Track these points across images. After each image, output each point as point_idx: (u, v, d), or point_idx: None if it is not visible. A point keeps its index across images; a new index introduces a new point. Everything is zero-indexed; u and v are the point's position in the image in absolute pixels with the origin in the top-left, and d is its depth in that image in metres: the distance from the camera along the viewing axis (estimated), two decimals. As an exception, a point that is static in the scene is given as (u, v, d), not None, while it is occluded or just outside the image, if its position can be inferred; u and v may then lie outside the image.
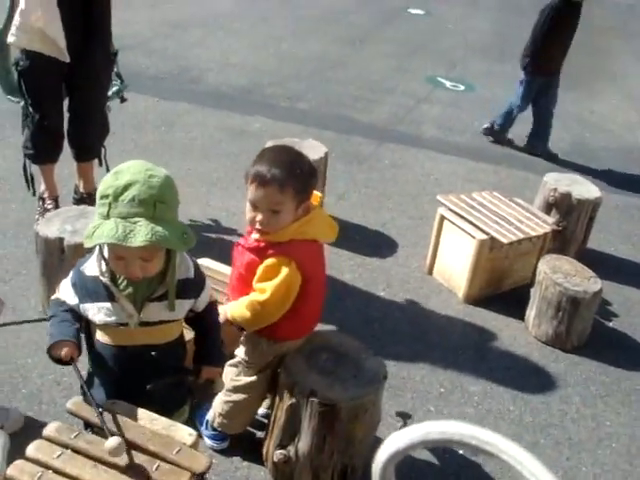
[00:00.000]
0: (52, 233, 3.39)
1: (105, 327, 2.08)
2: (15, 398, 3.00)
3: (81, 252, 3.36)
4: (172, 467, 1.88)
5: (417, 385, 3.43)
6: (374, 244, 4.65)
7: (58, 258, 3.40)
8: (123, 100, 4.59)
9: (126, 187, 1.87)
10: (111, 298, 2.04)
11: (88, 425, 2.04)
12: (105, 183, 1.92)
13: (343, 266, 4.34)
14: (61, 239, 3.36)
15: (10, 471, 1.87)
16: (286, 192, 2.42)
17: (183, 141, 5.81)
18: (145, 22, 8.97)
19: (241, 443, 2.92)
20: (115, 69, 4.31)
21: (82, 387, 1.97)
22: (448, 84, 8.10)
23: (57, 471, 1.86)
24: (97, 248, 2.04)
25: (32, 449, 1.93)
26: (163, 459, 1.89)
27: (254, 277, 2.54)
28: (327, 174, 4.83)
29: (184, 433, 1.99)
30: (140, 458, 1.90)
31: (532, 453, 1.03)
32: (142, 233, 1.83)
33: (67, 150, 4.26)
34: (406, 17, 11.95)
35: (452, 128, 6.90)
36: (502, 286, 4.20)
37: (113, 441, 1.82)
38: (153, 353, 2.10)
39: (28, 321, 3.22)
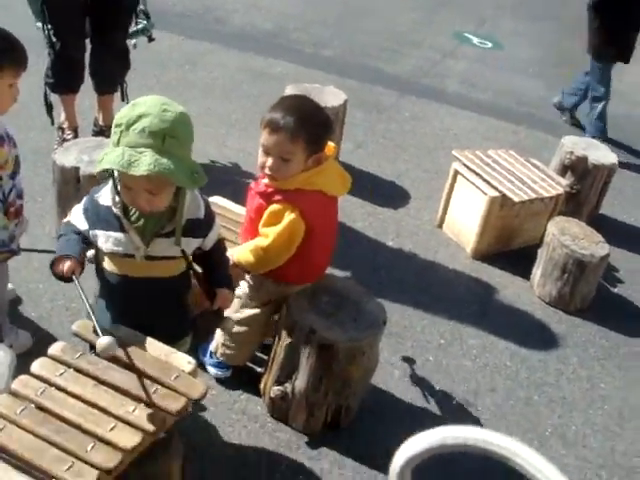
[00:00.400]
0: (69, 162, 3.44)
1: (112, 256, 2.13)
2: (25, 321, 3.09)
3: (95, 182, 3.42)
4: (169, 392, 1.94)
5: (418, 335, 3.48)
6: (387, 194, 4.67)
7: (74, 187, 3.45)
8: (151, 39, 4.59)
9: (139, 118, 1.91)
10: (121, 229, 2.08)
11: (92, 348, 2.10)
12: (121, 113, 1.96)
13: (355, 214, 4.38)
14: (77, 168, 3.41)
15: (14, 385, 1.94)
16: (297, 142, 2.46)
17: (205, 80, 5.81)
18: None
19: (241, 377, 3.00)
20: (142, 7, 4.31)
21: (82, 300, 1.98)
22: (475, 40, 8.00)
23: (59, 388, 1.94)
24: (111, 179, 2.08)
25: (36, 366, 2.01)
26: (161, 384, 1.96)
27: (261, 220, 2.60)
28: (346, 122, 4.83)
29: (183, 361, 2.05)
30: (139, 381, 1.97)
31: (547, 458, 1.04)
32: (145, 163, 1.86)
33: (89, 82, 4.30)
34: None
35: (476, 85, 6.84)
36: (511, 244, 4.22)
37: (104, 340, 1.87)
38: (155, 285, 2.16)
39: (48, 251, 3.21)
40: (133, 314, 2.17)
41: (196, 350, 2.85)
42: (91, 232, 2.12)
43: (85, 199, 2.18)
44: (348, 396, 2.75)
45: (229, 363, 2.95)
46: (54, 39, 3.91)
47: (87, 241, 2.16)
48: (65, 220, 2.24)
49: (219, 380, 2.96)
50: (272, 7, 7.87)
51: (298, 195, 2.53)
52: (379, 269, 3.89)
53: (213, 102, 5.45)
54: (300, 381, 2.69)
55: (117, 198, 2.07)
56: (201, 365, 2.94)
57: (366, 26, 7.83)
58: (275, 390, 2.77)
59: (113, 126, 1.97)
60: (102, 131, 4.48)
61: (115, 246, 2.09)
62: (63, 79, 4.11)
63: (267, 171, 2.52)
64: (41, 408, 1.89)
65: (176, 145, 1.93)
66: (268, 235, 2.54)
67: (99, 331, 1.90)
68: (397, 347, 3.38)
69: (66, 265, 2.02)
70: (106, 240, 2.10)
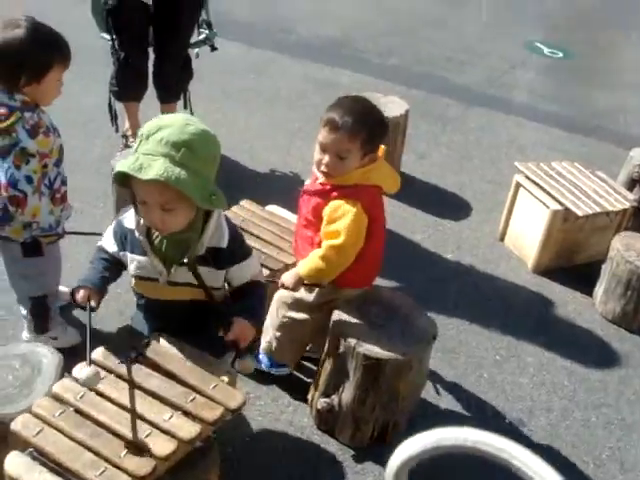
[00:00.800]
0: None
1: (137, 278, 2.16)
2: (76, 321, 3.14)
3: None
4: (207, 401, 1.94)
5: (473, 350, 3.41)
6: (449, 206, 4.60)
7: (132, 194, 3.50)
8: (214, 49, 4.64)
9: (160, 128, 1.89)
10: (144, 252, 2.10)
11: (133, 354, 2.12)
12: (146, 124, 1.96)
13: (415, 225, 4.33)
14: (135, 176, 3.46)
15: (55, 388, 1.97)
16: (354, 141, 2.50)
17: (269, 90, 5.84)
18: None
19: (290, 387, 2.99)
20: (205, 17, 4.37)
21: (87, 327, 1.99)
22: (546, 50, 7.82)
23: (98, 393, 1.95)
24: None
25: (77, 370, 2.03)
26: (199, 392, 1.96)
27: (321, 222, 2.59)
28: (409, 132, 4.80)
29: (223, 371, 2.05)
30: (177, 389, 1.97)
31: (541, 458, 1.03)
32: (155, 168, 1.83)
33: (154, 90, 4.37)
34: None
35: (544, 95, 6.68)
36: (574, 259, 4.09)
37: (85, 371, 1.88)
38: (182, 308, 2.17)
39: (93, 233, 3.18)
40: (169, 330, 2.19)
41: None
42: (121, 253, 2.16)
43: (115, 221, 2.20)
44: (395, 412, 2.70)
45: (278, 360, 2.94)
46: (118, 49, 4.00)
47: (118, 263, 2.19)
48: (98, 244, 2.27)
49: (268, 389, 2.96)
50: (340, 16, 7.86)
51: (357, 190, 2.56)
52: (436, 282, 3.83)
53: (277, 111, 5.48)
54: (347, 394, 2.66)
55: (141, 221, 2.07)
56: (261, 374, 2.95)
57: (435, 36, 7.75)
58: (322, 402, 2.74)
59: (137, 136, 1.98)
60: (165, 139, 4.55)
61: (139, 269, 2.12)
62: (127, 88, 4.19)
63: (323, 168, 2.56)
64: (79, 412, 1.91)
65: (193, 158, 1.89)
66: (339, 232, 2.52)
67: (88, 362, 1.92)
68: (451, 362, 3.31)
69: (80, 294, 2.07)
70: (131, 262, 2.14)
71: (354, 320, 2.64)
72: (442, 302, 3.65)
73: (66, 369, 2.22)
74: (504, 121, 5.93)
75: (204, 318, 2.23)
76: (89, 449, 1.79)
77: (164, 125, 1.90)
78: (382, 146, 2.66)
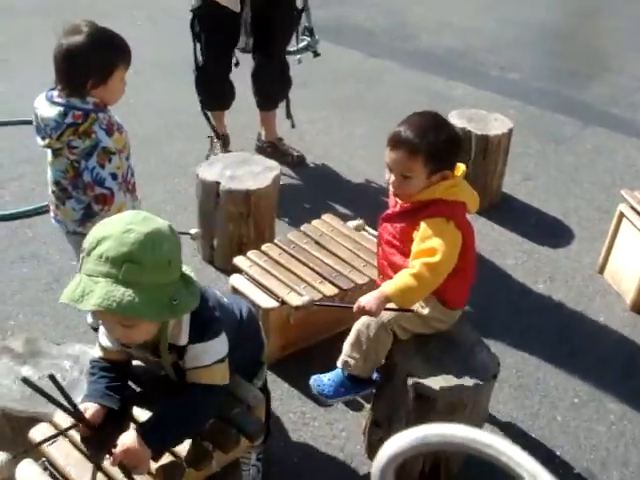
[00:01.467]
0: (211, 176, 3.53)
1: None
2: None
3: (234, 200, 3.48)
4: (224, 426, 1.90)
5: (550, 389, 3.21)
6: (548, 232, 4.37)
7: (214, 202, 3.54)
8: (316, 55, 4.62)
9: (99, 241, 1.68)
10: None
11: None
12: (89, 234, 1.76)
13: (508, 250, 4.14)
14: (218, 183, 3.49)
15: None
16: (416, 159, 2.38)
17: (379, 100, 5.77)
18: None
19: (347, 413, 2.91)
20: (306, 23, 4.35)
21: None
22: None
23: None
24: None
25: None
26: (219, 417, 1.92)
27: (408, 245, 2.45)
28: (518, 151, 4.65)
29: (249, 394, 2.01)
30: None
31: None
32: (95, 296, 1.63)
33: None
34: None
35: (674, 119, 6.26)
36: (679, 299, 3.79)
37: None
38: None
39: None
40: None
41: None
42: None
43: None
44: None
45: (353, 372, 2.65)
46: (199, 56, 4.03)
47: (118, 371, 1.99)
48: (90, 358, 2.06)
49: (326, 411, 2.89)
50: (464, 25, 7.67)
51: (444, 205, 2.43)
52: (521, 313, 3.64)
53: (382, 122, 5.34)
54: (397, 427, 2.55)
55: None
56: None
57: (561, 49, 7.43)
58: (372, 432, 2.66)
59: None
60: (264, 147, 4.58)
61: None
62: (208, 96, 4.25)
63: (391, 188, 2.49)
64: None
65: (139, 272, 1.66)
66: (435, 250, 2.35)
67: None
68: (524, 401, 3.13)
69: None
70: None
71: (410, 351, 2.54)
72: (524, 335, 3.47)
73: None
74: (624, 143, 5.58)
75: None
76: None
77: (103, 237, 1.68)
78: (462, 166, 2.53)
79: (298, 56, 4.48)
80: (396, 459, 1.11)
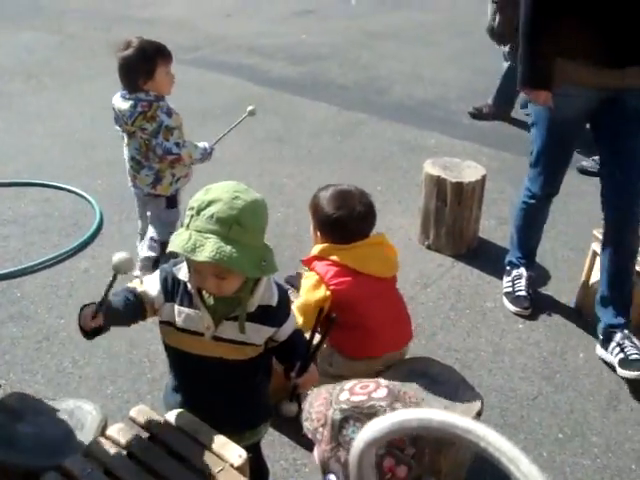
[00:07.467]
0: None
1: (181, 331, 2.17)
2: (140, 380, 3.24)
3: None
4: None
5: (534, 426, 3.28)
6: (527, 274, 4.48)
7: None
8: None
9: (209, 203, 1.93)
10: (193, 306, 2.13)
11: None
12: (194, 197, 1.99)
13: (488, 292, 4.24)
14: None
15: (91, 446, 2.04)
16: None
17: (355, 152, 5.92)
18: (340, 32, 9.21)
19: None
20: None
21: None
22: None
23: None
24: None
25: (114, 430, 2.12)
26: (204, 476, 1.97)
27: None
28: (493, 197, 4.78)
29: (234, 453, 2.05)
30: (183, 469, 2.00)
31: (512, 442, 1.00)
32: (208, 249, 1.86)
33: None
34: None
35: None
36: (655, 334, 3.90)
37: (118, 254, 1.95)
38: (222, 367, 2.18)
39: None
40: (201, 395, 2.22)
41: None
42: (166, 304, 2.16)
43: (164, 269, 2.21)
44: (437, 487, 2.63)
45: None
46: None
47: (138, 307, 2.16)
48: (129, 284, 2.23)
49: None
50: (436, 77, 7.89)
51: (317, 262, 2.86)
52: (503, 354, 3.73)
53: (360, 173, 5.52)
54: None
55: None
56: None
57: (531, 97, 7.64)
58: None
59: (187, 209, 2.02)
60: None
61: (186, 322, 2.14)
62: None
63: None
64: (108, 473, 1.98)
65: (242, 233, 1.92)
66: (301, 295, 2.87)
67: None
68: (509, 438, 3.18)
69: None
70: (178, 314, 2.14)
71: (396, 392, 2.61)
72: (508, 374, 3.56)
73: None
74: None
75: (243, 379, 2.25)
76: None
77: (213, 200, 1.92)
78: (378, 235, 3.01)
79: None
80: (374, 443, 1.12)
